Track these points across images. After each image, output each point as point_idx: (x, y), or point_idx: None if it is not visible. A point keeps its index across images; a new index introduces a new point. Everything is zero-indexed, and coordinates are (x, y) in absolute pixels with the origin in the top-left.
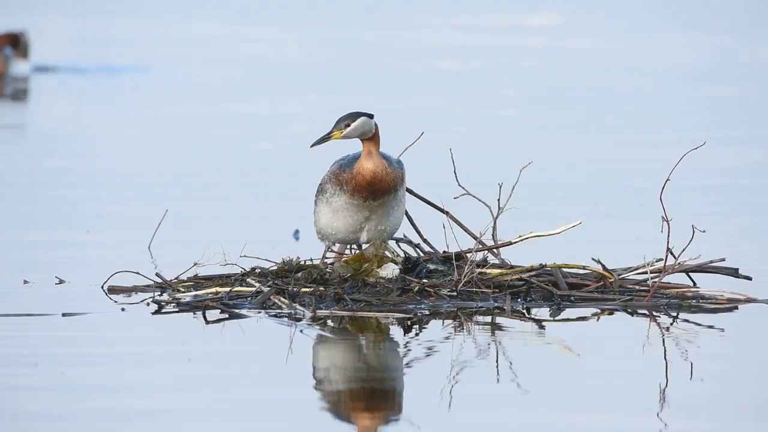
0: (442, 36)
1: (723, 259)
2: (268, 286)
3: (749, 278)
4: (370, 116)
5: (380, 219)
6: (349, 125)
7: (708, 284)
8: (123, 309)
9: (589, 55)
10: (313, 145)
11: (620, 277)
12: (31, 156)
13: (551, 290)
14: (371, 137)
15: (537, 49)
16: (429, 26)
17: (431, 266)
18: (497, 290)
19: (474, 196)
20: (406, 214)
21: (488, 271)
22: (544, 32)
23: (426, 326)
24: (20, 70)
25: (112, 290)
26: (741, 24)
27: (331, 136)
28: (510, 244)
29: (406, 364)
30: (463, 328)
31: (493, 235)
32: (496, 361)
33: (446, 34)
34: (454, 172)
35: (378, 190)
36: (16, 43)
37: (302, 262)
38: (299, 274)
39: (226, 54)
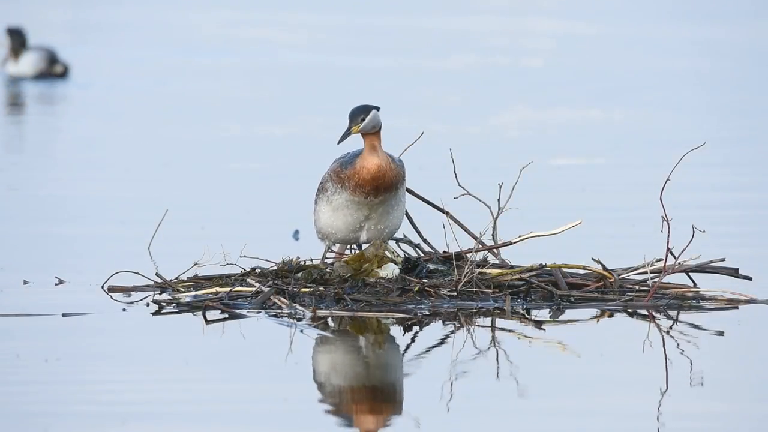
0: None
1: (723, 259)
2: (268, 286)
3: (749, 278)
4: (378, 109)
5: (380, 218)
6: (364, 119)
7: (708, 284)
8: (124, 309)
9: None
10: (339, 142)
11: (620, 277)
12: (31, 156)
13: (551, 290)
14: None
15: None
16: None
17: (431, 266)
18: (497, 290)
19: (474, 196)
20: (406, 213)
21: (488, 271)
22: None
23: (426, 326)
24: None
25: (113, 290)
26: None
27: (351, 131)
28: (510, 244)
29: (406, 364)
30: (463, 329)
31: (493, 235)
32: (496, 362)
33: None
34: (454, 172)
35: (381, 186)
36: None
37: (302, 262)
38: (299, 274)
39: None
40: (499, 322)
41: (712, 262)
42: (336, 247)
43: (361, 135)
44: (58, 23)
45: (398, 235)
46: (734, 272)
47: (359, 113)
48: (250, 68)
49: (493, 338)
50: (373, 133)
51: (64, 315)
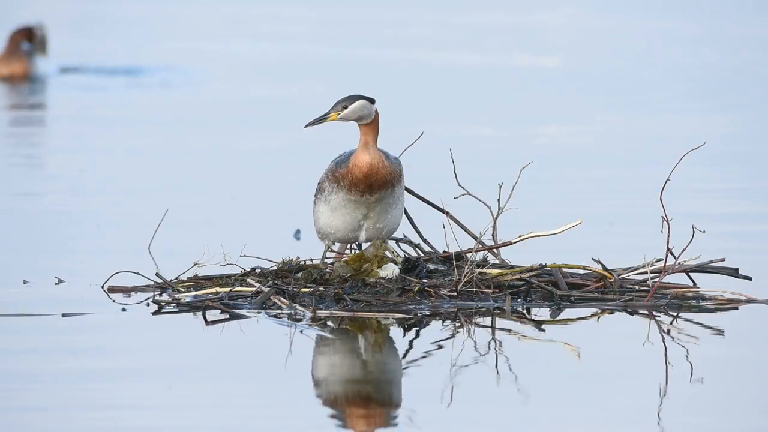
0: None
1: (723, 259)
2: (268, 286)
3: (749, 278)
4: (372, 101)
5: (378, 217)
6: (346, 107)
7: (708, 284)
8: (123, 309)
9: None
10: (307, 125)
11: (620, 277)
12: (32, 156)
13: (551, 290)
14: (369, 123)
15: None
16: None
17: (431, 266)
18: (497, 290)
19: (474, 196)
20: (406, 214)
21: (488, 271)
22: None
23: (426, 326)
24: (41, 68)
25: (113, 290)
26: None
27: (327, 117)
28: (510, 244)
29: (406, 364)
30: (463, 329)
31: (493, 235)
32: (496, 362)
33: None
34: (454, 172)
35: (374, 183)
36: (31, 37)
37: (302, 262)
38: (299, 274)
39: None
40: (499, 322)
41: (712, 262)
42: (336, 247)
43: (358, 127)
44: (57, 20)
45: (398, 235)
46: (734, 272)
47: (343, 101)
48: (269, 64)
49: (493, 338)
50: (367, 125)
51: (63, 315)
